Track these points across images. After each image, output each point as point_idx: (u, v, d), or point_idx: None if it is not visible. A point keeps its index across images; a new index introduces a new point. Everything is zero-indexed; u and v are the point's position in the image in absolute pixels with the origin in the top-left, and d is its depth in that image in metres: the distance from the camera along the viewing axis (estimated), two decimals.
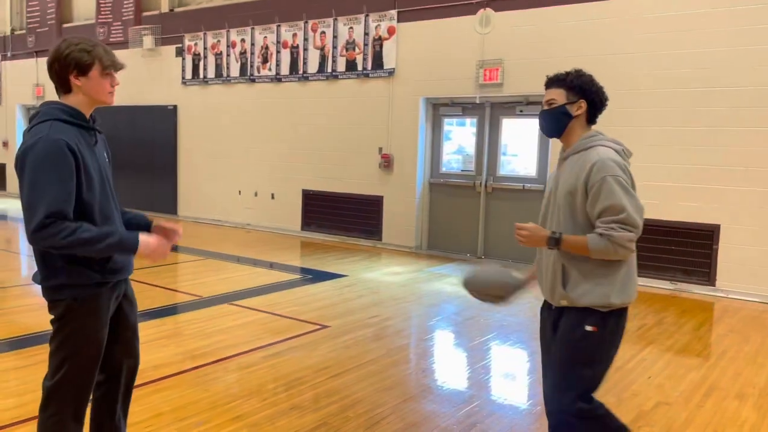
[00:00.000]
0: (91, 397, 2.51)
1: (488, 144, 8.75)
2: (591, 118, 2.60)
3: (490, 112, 8.72)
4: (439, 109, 9.20)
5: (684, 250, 7.19)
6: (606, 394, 3.97)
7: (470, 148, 9.09)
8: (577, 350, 2.46)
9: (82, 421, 2.45)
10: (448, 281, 7.33)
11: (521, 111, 8.44)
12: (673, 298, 6.80)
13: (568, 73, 2.57)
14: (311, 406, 3.67)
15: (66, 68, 2.31)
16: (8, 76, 15.34)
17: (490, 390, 4.12)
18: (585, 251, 2.40)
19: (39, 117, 2.31)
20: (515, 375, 4.49)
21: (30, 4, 14.51)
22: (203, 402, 3.66)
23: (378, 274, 7.58)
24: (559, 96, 2.56)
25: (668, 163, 7.19)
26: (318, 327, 5.24)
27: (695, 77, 7.00)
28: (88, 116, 2.40)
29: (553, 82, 2.59)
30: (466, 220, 8.93)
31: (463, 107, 8.97)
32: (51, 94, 2.85)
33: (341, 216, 10.00)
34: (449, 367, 4.64)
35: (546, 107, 2.60)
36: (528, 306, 6.27)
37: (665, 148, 7.20)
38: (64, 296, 2.32)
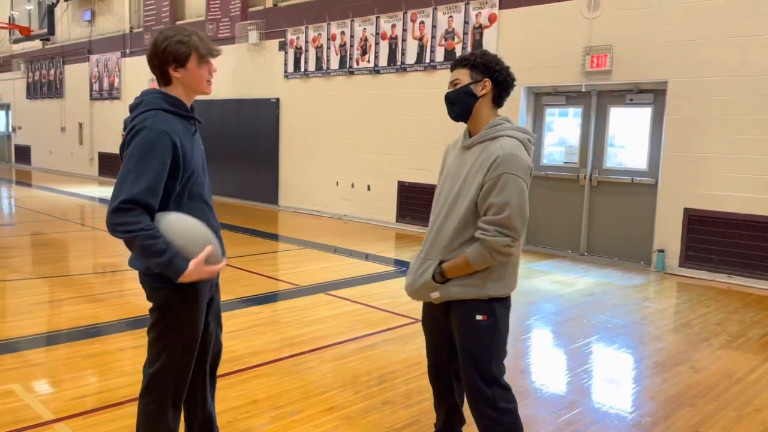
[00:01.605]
0: None
1: (594, 135, 8.31)
2: (497, 99, 2.54)
3: (596, 101, 8.27)
4: (542, 98, 8.84)
5: None
6: (725, 408, 3.64)
7: (573, 139, 8.66)
8: (475, 338, 2.53)
9: (180, 408, 2.50)
10: (548, 279, 7.05)
11: (631, 100, 7.95)
12: None
13: (472, 53, 2.53)
14: (403, 401, 3.61)
15: (165, 62, 2.33)
16: (127, 72, 16.43)
17: (593, 396, 3.88)
18: (469, 268, 2.45)
19: (143, 106, 2.33)
20: (620, 381, 4.20)
21: (147, 3, 15.43)
22: (298, 391, 3.70)
23: None
24: (463, 76, 2.51)
25: None
26: (411, 321, 5.18)
27: None
28: (189, 106, 2.42)
29: (457, 63, 2.54)
30: (569, 215, 8.54)
31: (567, 96, 8.57)
32: None
33: None
34: (548, 370, 4.42)
35: (450, 89, 2.55)
36: (635, 308, 5.90)
37: None
38: (164, 284, 2.33)
